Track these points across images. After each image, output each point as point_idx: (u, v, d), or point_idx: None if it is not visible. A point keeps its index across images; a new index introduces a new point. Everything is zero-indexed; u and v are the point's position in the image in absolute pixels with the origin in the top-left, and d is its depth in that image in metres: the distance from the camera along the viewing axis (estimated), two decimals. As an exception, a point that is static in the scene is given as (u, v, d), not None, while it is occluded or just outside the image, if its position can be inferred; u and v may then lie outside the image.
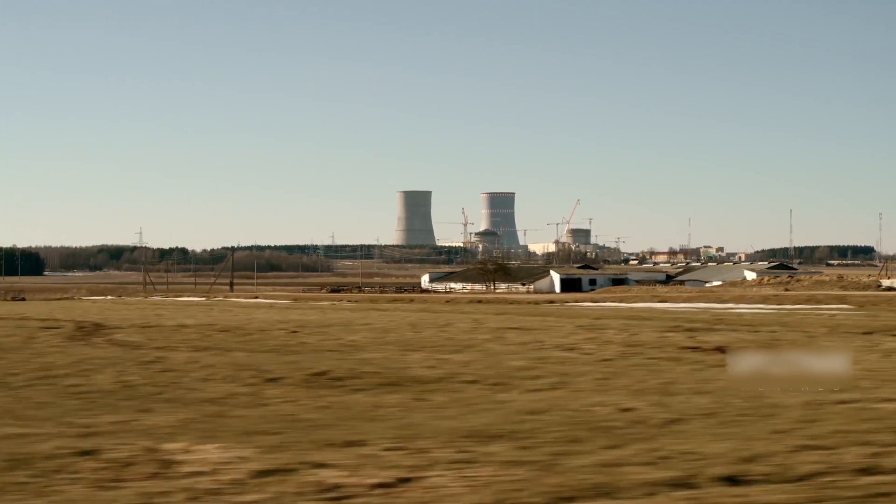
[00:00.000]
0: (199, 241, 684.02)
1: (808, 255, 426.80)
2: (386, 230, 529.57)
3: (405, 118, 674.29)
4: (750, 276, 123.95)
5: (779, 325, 36.87)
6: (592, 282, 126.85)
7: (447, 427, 12.19)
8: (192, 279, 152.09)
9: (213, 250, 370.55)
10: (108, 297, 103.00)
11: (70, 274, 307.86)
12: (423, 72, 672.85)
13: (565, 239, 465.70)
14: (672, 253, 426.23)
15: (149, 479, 9.10)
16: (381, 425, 12.55)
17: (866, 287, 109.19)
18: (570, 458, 9.71)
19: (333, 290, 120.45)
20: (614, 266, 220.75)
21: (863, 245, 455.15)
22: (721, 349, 24.47)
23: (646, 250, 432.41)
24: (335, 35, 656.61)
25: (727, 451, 9.88)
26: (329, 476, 8.96)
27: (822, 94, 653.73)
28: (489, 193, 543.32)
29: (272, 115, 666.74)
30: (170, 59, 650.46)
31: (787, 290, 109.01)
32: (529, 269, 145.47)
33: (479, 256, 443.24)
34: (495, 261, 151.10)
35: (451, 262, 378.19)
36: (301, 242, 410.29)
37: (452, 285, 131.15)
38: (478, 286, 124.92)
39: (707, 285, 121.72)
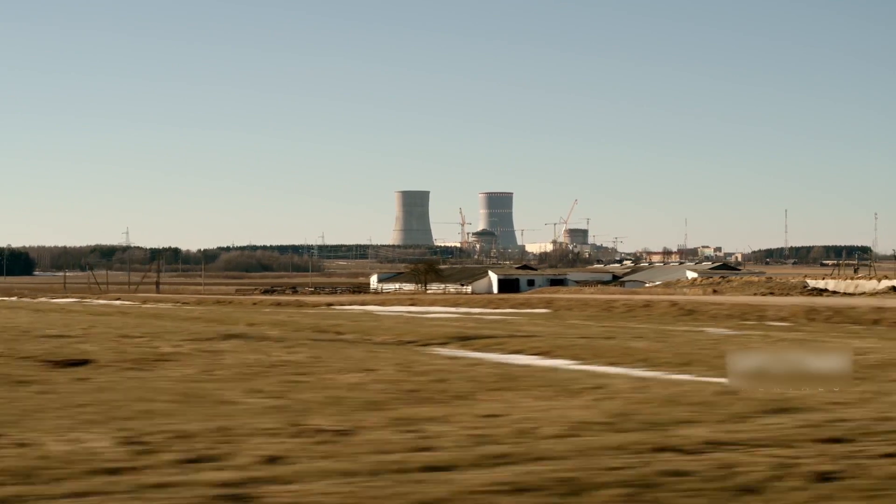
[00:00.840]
0: (200, 241, 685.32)
1: (804, 255, 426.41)
2: (384, 230, 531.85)
3: (403, 118, 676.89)
4: (691, 276, 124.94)
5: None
6: (531, 282, 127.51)
7: None
8: (154, 279, 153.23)
9: (205, 250, 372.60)
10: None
11: (60, 274, 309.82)
12: (421, 71, 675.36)
13: (563, 239, 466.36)
14: (666, 253, 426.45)
15: None
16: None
17: (791, 288, 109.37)
18: None
19: (266, 292, 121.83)
20: (599, 265, 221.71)
21: (860, 245, 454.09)
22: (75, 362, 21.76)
23: (640, 250, 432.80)
24: (332, 34, 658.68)
25: None
26: None
27: (822, 94, 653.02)
28: (487, 193, 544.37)
29: (271, 115, 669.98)
30: (170, 59, 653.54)
31: (715, 291, 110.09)
32: (471, 270, 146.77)
33: (475, 256, 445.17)
34: (427, 262, 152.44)
35: (446, 262, 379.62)
36: (300, 242, 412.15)
37: (397, 286, 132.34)
38: (451, 286, 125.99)
39: (647, 285, 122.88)
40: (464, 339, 31.14)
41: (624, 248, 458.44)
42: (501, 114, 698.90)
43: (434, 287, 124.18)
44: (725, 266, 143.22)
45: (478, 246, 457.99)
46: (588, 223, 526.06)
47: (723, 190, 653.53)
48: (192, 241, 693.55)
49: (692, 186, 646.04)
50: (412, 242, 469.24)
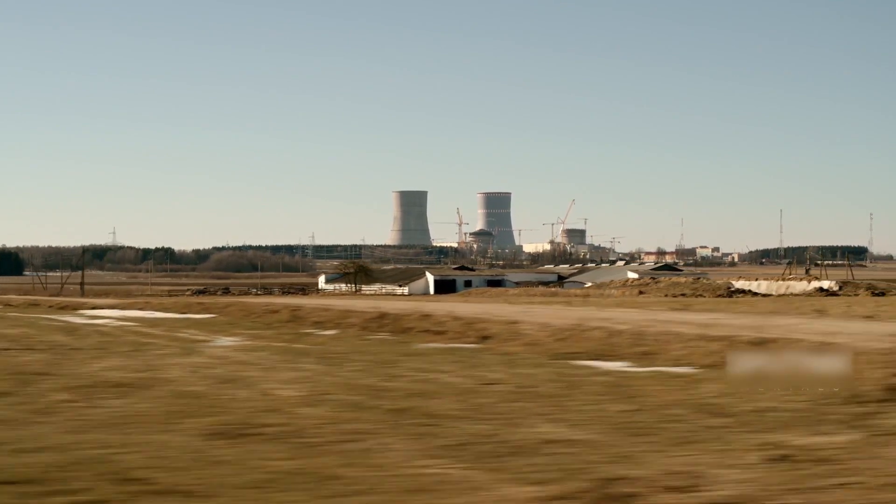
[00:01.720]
0: (200, 241, 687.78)
1: (798, 256, 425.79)
2: (382, 230, 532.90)
3: (402, 118, 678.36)
4: (632, 276, 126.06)
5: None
6: (468, 283, 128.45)
7: None
8: (119, 279, 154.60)
9: (200, 250, 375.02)
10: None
11: (50, 274, 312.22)
12: (419, 72, 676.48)
13: (560, 239, 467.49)
14: (660, 253, 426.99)
15: None
16: None
17: (714, 290, 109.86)
18: None
19: (198, 292, 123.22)
20: (591, 264, 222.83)
21: (857, 245, 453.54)
22: None
23: (634, 251, 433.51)
24: (330, 34, 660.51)
25: None
26: None
27: (821, 94, 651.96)
28: (485, 193, 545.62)
29: (270, 115, 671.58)
30: (169, 59, 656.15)
31: (641, 292, 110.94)
32: (412, 271, 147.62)
33: (472, 256, 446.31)
34: (357, 262, 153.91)
35: (438, 262, 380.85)
36: (299, 243, 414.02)
37: (342, 286, 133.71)
38: (365, 287, 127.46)
39: (588, 285, 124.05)
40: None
41: (621, 248, 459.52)
42: (500, 114, 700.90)
43: (372, 287, 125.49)
44: (667, 267, 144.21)
45: (475, 246, 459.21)
46: (586, 223, 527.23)
47: (722, 190, 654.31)
48: (191, 241, 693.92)
49: (691, 186, 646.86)
50: (410, 242, 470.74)
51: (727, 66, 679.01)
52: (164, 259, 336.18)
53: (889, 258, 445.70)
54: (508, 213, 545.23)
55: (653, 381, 17.08)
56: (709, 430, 11.81)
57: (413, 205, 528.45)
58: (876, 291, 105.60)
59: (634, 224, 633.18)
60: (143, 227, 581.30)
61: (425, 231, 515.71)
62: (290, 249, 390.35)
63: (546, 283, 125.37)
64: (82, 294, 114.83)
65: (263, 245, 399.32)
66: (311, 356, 23.13)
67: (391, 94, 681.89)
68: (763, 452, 10.19)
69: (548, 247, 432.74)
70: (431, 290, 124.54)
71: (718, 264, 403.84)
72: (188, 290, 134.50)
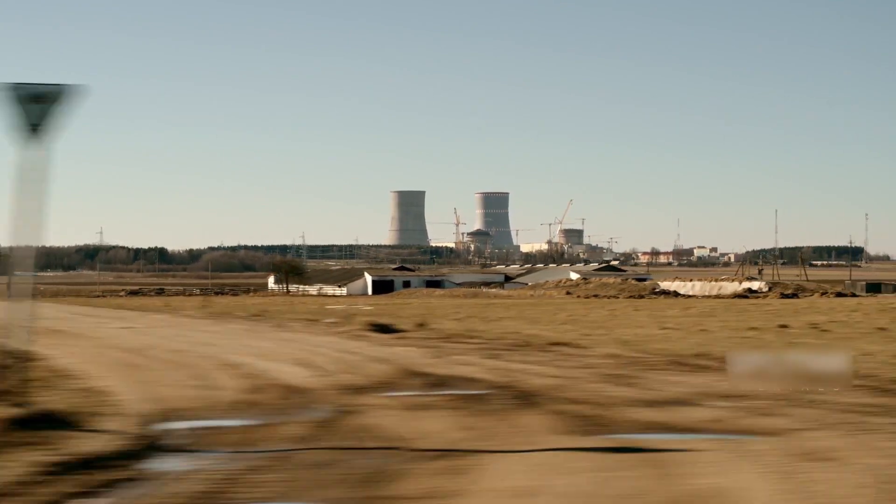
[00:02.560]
0: (201, 241, 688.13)
1: (793, 256, 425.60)
2: (381, 230, 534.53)
3: (400, 118, 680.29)
4: (574, 277, 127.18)
5: None
6: (406, 283, 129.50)
7: None
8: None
9: (194, 250, 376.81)
10: None
11: (40, 274, 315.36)
12: (417, 72, 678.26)
13: (558, 239, 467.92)
14: (654, 253, 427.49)
15: None
16: None
17: (641, 290, 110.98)
18: None
19: (133, 293, 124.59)
20: (579, 264, 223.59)
21: (853, 245, 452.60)
22: None
23: (629, 251, 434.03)
24: (329, 34, 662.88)
25: None
26: None
27: (819, 94, 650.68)
28: (483, 193, 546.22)
29: (268, 115, 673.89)
30: (168, 59, 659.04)
31: (568, 293, 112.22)
32: (349, 271, 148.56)
33: (469, 256, 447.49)
34: (290, 262, 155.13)
35: (433, 262, 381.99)
36: (294, 243, 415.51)
37: (302, 287, 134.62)
38: (307, 287, 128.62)
39: (530, 285, 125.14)
40: None
41: (619, 247, 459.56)
42: (499, 114, 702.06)
43: (311, 288, 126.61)
44: (610, 268, 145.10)
45: (472, 246, 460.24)
46: (583, 223, 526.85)
47: (721, 190, 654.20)
48: (190, 241, 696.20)
49: (690, 187, 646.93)
50: (408, 243, 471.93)
51: (726, 66, 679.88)
52: (156, 259, 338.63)
53: (886, 258, 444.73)
54: (506, 214, 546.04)
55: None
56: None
57: (411, 205, 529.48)
58: (786, 293, 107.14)
59: (632, 224, 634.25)
60: (141, 227, 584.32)
61: (423, 231, 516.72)
62: (283, 249, 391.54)
63: (488, 284, 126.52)
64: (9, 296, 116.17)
65: (259, 245, 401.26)
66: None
67: (390, 94, 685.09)
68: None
69: (545, 247, 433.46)
70: (370, 291, 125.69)
71: (713, 264, 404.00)
72: (132, 290, 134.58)
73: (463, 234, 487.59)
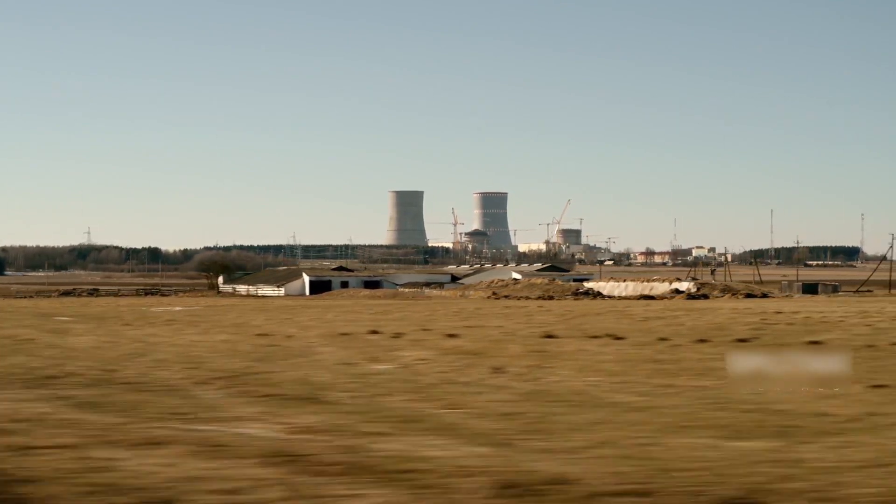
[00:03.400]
0: (201, 240, 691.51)
1: (789, 256, 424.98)
2: (379, 230, 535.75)
3: (398, 118, 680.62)
4: (516, 276, 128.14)
5: None
6: (344, 284, 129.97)
7: None
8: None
9: (187, 250, 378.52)
10: None
11: (32, 274, 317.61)
12: (416, 71, 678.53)
13: (556, 239, 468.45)
14: (649, 253, 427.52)
15: None
16: None
17: (564, 291, 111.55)
18: None
19: (64, 294, 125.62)
20: (578, 264, 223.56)
21: (851, 245, 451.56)
22: None
23: (625, 250, 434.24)
24: (327, 34, 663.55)
25: None
26: None
27: (818, 95, 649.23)
28: (482, 193, 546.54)
29: (267, 115, 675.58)
30: (166, 59, 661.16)
31: (494, 293, 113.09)
32: (289, 271, 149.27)
33: (466, 256, 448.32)
34: (219, 262, 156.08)
35: (427, 262, 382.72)
36: (288, 243, 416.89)
37: (238, 287, 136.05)
38: (266, 287, 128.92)
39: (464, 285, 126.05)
40: None
41: (617, 247, 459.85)
42: (497, 114, 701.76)
43: (245, 288, 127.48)
44: (553, 268, 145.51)
45: (469, 246, 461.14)
46: (581, 223, 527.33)
47: (721, 190, 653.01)
48: (187, 241, 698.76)
49: (689, 187, 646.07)
50: (406, 243, 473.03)
51: (725, 66, 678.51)
52: (147, 259, 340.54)
53: (882, 259, 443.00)
54: (505, 214, 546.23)
55: None
56: None
57: (409, 205, 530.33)
58: (695, 294, 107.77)
59: (631, 224, 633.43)
60: (139, 227, 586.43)
61: (421, 231, 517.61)
62: (277, 249, 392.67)
63: (429, 284, 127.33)
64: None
65: (254, 245, 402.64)
66: None
67: (389, 93, 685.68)
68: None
69: (543, 247, 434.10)
70: (307, 291, 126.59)
71: (707, 265, 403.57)
72: (66, 290, 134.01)
73: (461, 234, 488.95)
